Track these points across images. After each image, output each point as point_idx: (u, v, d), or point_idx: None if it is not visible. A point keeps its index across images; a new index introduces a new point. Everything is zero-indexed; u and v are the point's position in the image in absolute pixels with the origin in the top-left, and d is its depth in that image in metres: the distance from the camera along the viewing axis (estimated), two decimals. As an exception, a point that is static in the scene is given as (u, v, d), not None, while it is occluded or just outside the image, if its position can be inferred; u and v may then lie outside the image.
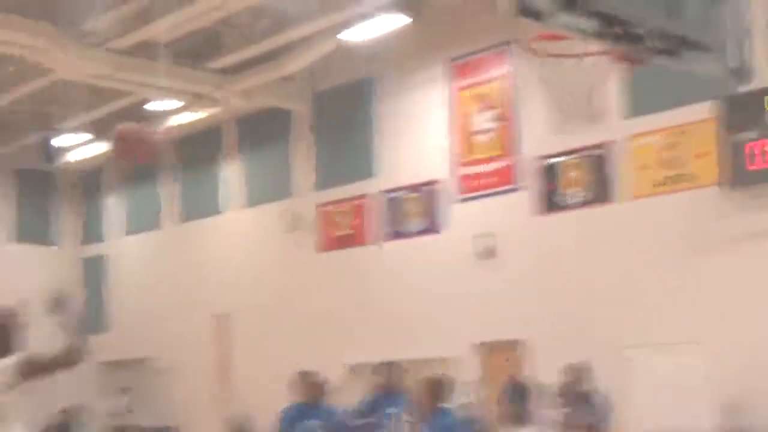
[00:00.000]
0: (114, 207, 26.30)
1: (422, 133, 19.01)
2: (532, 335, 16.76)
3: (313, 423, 11.06)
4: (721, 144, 14.65)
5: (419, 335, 18.39)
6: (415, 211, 18.99)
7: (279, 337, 21.04)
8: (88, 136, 24.23)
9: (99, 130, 23.95)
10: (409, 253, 19.01)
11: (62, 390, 16.60)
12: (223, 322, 22.53)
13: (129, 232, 25.82)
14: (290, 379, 11.97)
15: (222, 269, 22.74)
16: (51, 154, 25.44)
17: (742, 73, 6.88)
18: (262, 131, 22.06)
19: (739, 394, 13.75)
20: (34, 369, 6.18)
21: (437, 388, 10.53)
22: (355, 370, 18.83)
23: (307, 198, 21.01)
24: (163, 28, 18.18)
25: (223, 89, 20.43)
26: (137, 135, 8.49)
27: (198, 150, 23.60)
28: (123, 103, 22.07)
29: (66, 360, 6.16)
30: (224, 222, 23.10)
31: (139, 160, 7.91)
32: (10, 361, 6.23)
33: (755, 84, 12.68)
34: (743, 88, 12.47)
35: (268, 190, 21.99)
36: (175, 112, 22.37)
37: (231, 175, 22.89)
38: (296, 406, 11.29)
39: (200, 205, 23.65)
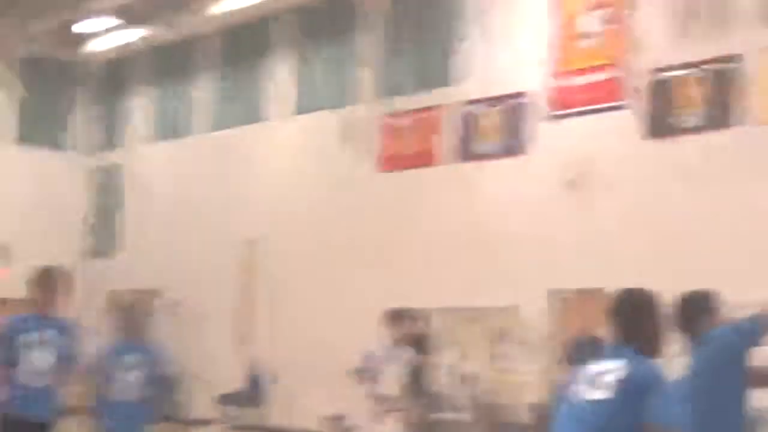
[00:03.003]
0: (138, 108, 26.27)
1: (512, 34, 18.77)
2: (623, 285, 16.52)
3: None
4: None
5: (488, 279, 18.32)
6: (495, 128, 18.86)
7: (320, 270, 21.04)
8: (117, 21, 24.22)
9: (130, 15, 24.00)
10: (485, 178, 18.89)
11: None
12: (255, 249, 22.51)
13: (153, 139, 25.82)
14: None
15: (261, 187, 22.70)
16: (70, 39, 25.44)
17: None
18: (321, 24, 21.93)
19: None
20: None
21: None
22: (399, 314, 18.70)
23: (371, 106, 20.91)
24: None
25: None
26: None
27: (244, 44, 23.50)
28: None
29: None
30: (268, 131, 22.99)
31: None
32: None
33: None
34: None
35: (323, 95, 21.85)
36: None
37: (279, 76, 22.77)
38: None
39: (241, 111, 23.56)
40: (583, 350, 14.79)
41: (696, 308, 7.74)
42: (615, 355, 6.23)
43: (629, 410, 5.97)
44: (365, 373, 14.56)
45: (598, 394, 6.06)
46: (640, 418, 5.93)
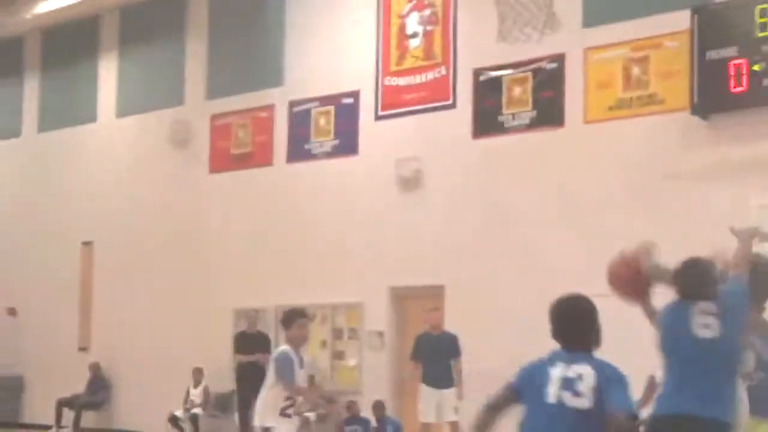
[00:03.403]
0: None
1: (342, 36, 18.75)
2: (457, 280, 16.77)
3: None
4: (693, 62, 14.65)
5: (325, 276, 18.34)
6: (329, 127, 18.84)
7: (156, 272, 20.84)
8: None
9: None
10: (319, 177, 18.84)
11: None
12: (89, 253, 22.21)
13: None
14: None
15: (92, 189, 22.28)
16: None
17: None
18: (149, 23, 21.62)
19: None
20: None
21: None
22: (247, 315, 18.70)
23: (201, 107, 20.71)
24: None
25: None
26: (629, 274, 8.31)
27: (71, 43, 23.06)
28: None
29: None
30: (97, 131, 22.62)
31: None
32: None
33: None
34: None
35: (153, 95, 21.57)
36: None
37: (108, 75, 22.42)
38: None
39: (70, 111, 23.10)
40: (426, 346, 15.17)
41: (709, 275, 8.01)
42: (578, 359, 6.49)
43: (602, 414, 6.29)
44: None
45: (578, 402, 6.35)
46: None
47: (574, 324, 6.67)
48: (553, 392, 6.44)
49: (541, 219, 16.12)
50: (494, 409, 6.60)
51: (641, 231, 14.78)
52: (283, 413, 10.20)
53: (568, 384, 6.42)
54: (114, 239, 21.66)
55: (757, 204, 14.16)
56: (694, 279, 7.56)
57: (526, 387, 6.61)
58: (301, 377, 10.44)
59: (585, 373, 6.42)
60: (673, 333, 7.44)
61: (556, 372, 6.49)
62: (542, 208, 16.17)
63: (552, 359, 6.62)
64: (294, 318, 10.48)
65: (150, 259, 20.96)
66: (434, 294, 16.70)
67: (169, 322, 20.30)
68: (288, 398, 10.21)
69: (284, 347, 10.28)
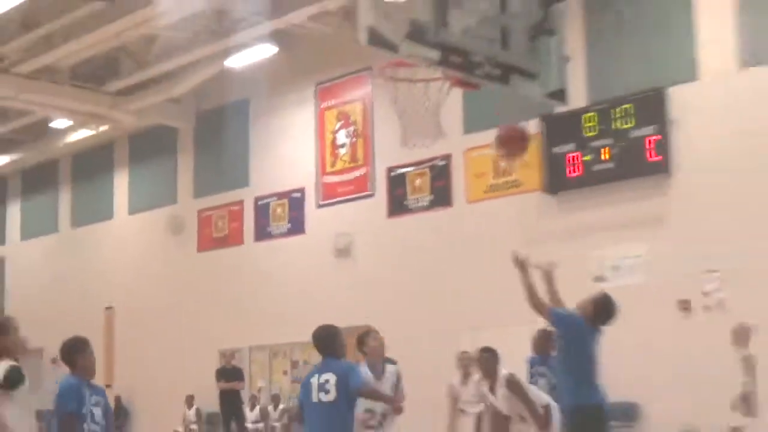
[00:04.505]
0: (15, 213, 25.17)
1: (291, 148, 18.69)
2: (380, 323, 16.58)
3: None
4: (543, 155, 14.80)
5: (285, 322, 17.97)
6: (284, 214, 18.69)
7: (159, 326, 20.45)
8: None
9: (2, 145, 23.22)
10: (277, 251, 18.68)
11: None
12: (112, 315, 21.82)
13: (28, 236, 24.72)
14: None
15: (112, 269, 21.92)
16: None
17: (559, 95, 6.95)
18: (150, 146, 21.42)
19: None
20: None
21: None
22: (227, 354, 18.43)
23: (190, 204, 20.48)
24: (64, 54, 17.71)
25: (117, 109, 19.89)
26: (517, 134, 8.16)
27: (93, 163, 22.77)
28: (26, 121, 21.37)
29: None
30: (115, 226, 22.33)
31: (518, 155, 7.59)
32: None
33: (574, 104, 13.12)
34: (562, 108, 12.73)
35: (154, 198, 21.31)
36: (73, 129, 21.73)
37: (121, 184, 22.15)
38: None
39: (93, 212, 22.77)
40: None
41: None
42: (328, 367, 7.04)
43: (346, 403, 6.94)
44: None
45: (328, 397, 6.90)
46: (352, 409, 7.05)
47: (325, 342, 7.24)
48: (313, 394, 7.04)
49: (438, 276, 16.03)
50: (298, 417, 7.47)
51: (512, 280, 14.96)
52: (367, 426, 8.35)
53: (321, 386, 7.01)
54: (129, 304, 21.31)
55: (594, 256, 14.27)
56: (612, 314, 7.55)
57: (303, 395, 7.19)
58: (383, 387, 8.31)
59: (330, 376, 6.99)
60: (586, 341, 7.43)
61: (318, 378, 7.05)
62: (437, 265, 16.09)
63: (313, 371, 7.20)
64: (368, 334, 8.77)
65: (155, 317, 20.56)
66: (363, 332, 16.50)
67: (170, 361, 19.97)
68: (367, 411, 8.23)
69: (355, 363, 8.07)
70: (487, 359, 9.67)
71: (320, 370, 7.17)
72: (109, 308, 21.88)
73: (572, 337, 7.47)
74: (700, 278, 13.19)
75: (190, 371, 19.41)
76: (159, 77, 18.97)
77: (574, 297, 13.83)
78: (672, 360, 13.00)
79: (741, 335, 10.84)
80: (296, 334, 17.65)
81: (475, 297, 15.38)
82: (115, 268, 21.92)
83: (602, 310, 7.55)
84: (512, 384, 9.21)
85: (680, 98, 13.65)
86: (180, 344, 19.88)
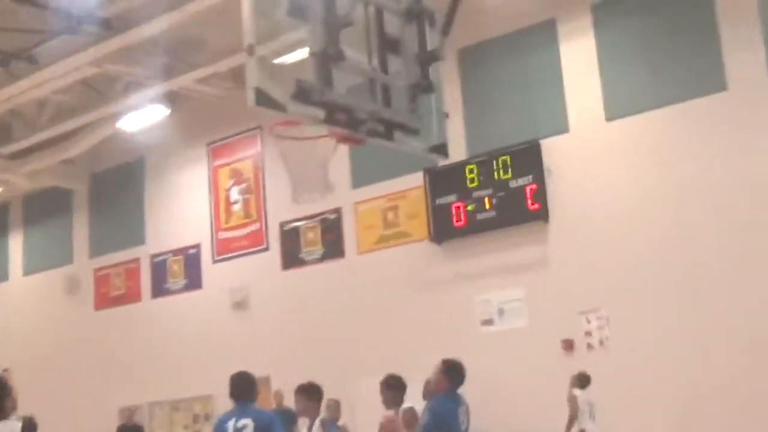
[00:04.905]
0: None
1: (185, 206, 18.33)
2: (278, 372, 16.34)
3: None
4: (429, 206, 14.81)
5: (185, 377, 17.53)
6: (180, 270, 18.28)
7: (61, 385, 19.61)
8: None
9: None
10: (175, 307, 18.19)
11: None
12: (9, 377, 20.85)
13: None
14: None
15: (8, 330, 20.88)
16: None
17: (441, 149, 6.99)
18: (45, 207, 20.67)
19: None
20: None
21: None
22: (127, 411, 17.93)
23: (86, 264, 19.85)
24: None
25: (10, 172, 19.21)
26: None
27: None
28: None
29: None
30: (10, 288, 21.40)
31: None
32: None
33: (456, 157, 13.22)
34: (445, 161, 12.81)
35: (50, 258, 20.53)
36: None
37: (15, 246, 21.32)
38: None
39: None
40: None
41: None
42: (245, 412, 6.90)
43: None
44: None
45: None
46: None
47: (242, 388, 7.25)
48: None
49: (334, 325, 15.85)
50: None
51: (404, 327, 14.96)
52: None
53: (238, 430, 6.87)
54: (26, 365, 20.16)
55: (477, 299, 14.33)
56: (464, 372, 7.47)
57: None
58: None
59: (248, 421, 6.85)
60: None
61: (234, 424, 6.90)
62: (332, 315, 15.90)
63: (228, 415, 7.06)
64: (400, 384, 8.48)
65: (53, 378, 19.61)
66: (262, 385, 16.15)
67: (69, 421, 19.02)
68: None
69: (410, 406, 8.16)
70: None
71: (237, 414, 6.92)
72: (5, 370, 20.85)
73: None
74: (581, 318, 13.34)
75: (90, 431, 18.66)
76: (52, 140, 18.41)
77: (462, 340, 14.06)
78: (557, 397, 13.05)
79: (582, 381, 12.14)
80: (197, 387, 17.32)
81: (367, 344, 15.24)
82: (10, 329, 20.93)
83: (456, 374, 7.46)
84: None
85: (553, 149, 13.88)
86: (79, 403, 19.10)
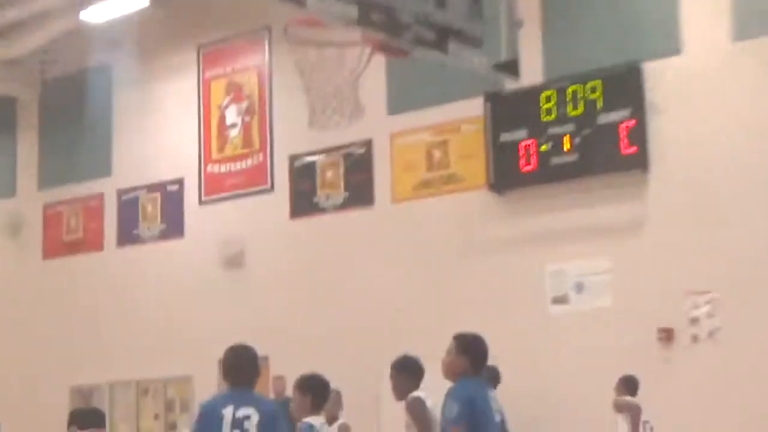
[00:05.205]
0: None
1: (166, 127, 18.47)
2: (280, 352, 16.43)
3: None
4: (489, 144, 14.74)
5: (158, 352, 17.77)
6: (155, 213, 18.41)
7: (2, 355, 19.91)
8: None
9: None
10: (147, 260, 18.42)
11: None
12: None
13: None
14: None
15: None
16: None
17: (510, 67, 6.81)
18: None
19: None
20: None
21: None
22: (82, 392, 18.23)
23: (33, 197, 20.08)
24: None
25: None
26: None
27: None
28: None
29: None
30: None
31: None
32: None
33: (529, 80, 13.08)
34: (514, 85, 12.72)
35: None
36: None
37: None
38: None
39: None
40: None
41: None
42: (246, 400, 6.73)
43: None
44: None
45: None
46: None
47: (243, 369, 6.93)
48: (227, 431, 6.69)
49: (355, 294, 15.90)
50: None
51: (449, 301, 14.97)
52: None
53: (239, 422, 6.65)
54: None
55: (548, 269, 14.32)
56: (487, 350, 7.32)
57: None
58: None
59: (251, 411, 6.65)
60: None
61: (234, 413, 6.67)
62: (355, 280, 15.98)
63: (223, 399, 6.90)
64: (416, 368, 8.50)
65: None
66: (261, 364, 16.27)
67: (9, 402, 19.43)
68: None
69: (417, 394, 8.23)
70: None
71: (235, 401, 6.82)
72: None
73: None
74: (686, 301, 13.30)
75: (35, 415, 18.86)
76: (-6, 31, 18.51)
77: (525, 322, 14.03)
78: (651, 403, 13.03)
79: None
80: (172, 366, 17.52)
81: (401, 319, 15.29)
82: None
83: (476, 354, 7.27)
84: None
85: (660, 75, 13.79)
86: (19, 379, 19.41)
